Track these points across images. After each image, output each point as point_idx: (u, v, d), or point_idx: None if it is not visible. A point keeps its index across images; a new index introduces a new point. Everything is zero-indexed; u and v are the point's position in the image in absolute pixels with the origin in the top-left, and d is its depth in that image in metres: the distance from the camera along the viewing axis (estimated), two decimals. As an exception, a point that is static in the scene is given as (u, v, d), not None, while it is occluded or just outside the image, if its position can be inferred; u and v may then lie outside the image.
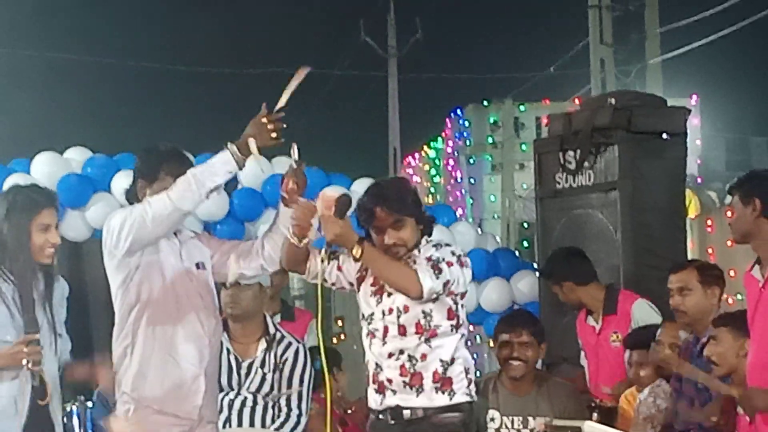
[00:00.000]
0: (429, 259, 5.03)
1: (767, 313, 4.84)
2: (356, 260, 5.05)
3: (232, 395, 5.83)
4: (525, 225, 21.38)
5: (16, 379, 4.66)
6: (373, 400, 5.20)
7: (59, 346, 4.89)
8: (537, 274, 8.46)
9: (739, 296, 7.67)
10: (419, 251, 5.15)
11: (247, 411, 5.80)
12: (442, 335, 5.09)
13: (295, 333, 6.22)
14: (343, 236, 4.97)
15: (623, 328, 6.53)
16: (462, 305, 5.19)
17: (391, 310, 5.12)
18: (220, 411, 5.77)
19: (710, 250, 11.12)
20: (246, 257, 5.34)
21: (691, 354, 5.55)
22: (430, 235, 5.24)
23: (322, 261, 5.12)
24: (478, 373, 5.63)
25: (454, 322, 5.13)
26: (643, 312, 6.51)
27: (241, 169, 4.99)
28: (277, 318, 6.63)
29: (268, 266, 5.34)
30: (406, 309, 5.09)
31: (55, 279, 4.88)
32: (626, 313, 6.60)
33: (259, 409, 5.82)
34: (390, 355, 5.11)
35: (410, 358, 5.08)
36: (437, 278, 4.98)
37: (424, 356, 5.08)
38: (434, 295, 5.01)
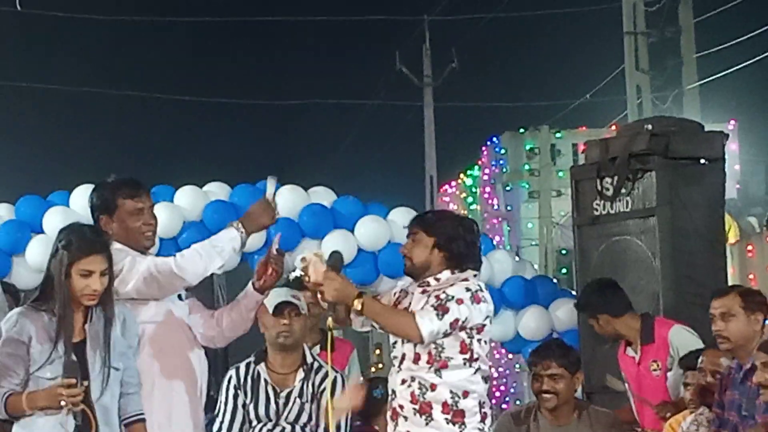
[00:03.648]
0: (438, 298, 5.07)
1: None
2: (358, 314, 5.13)
3: (270, 426, 5.82)
4: (563, 252, 21.29)
5: (58, 413, 4.67)
6: (388, 428, 5.26)
7: (113, 379, 4.87)
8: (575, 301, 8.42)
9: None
10: (437, 279, 5.18)
11: (285, 441, 5.80)
12: (453, 368, 5.12)
13: (335, 364, 6.20)
14: (342, 291, 5.06)
15: (662, 357, 6.47)
16: (479, 339, 5.16)
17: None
18: (259, 442, 5.78)
19: (751, 276, 11.02)
20: (203, 323, 5.41)
21: (734, 381, 5.49)
22: (460, 270, 5.21)
23: (329, 329, 5.23)
24: (517, 402, 5.61)
25: (467, 356, 5.14)
26: (681, 338, 6.44)
27: (243, 246, 5.17)
28: (317, 349, 6.62)
29: (218, 342, 5.47)
30: None
31: (114, 316, 4.88)
32: (664, 341, 6.53)
33: (297, 439, 5.81)
34: (403, 382, 5.17)
35: (420, 386, 5.13)
36: (440, 319, 5.02)
37: (433, 386, 5.11)
38: (439, 337, 5.05)
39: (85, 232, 4.89)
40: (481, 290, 5.17)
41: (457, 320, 5.05)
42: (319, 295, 5.08)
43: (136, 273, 5.02)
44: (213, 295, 11.65)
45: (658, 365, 6.51)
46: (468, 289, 5.11)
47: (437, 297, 5.07)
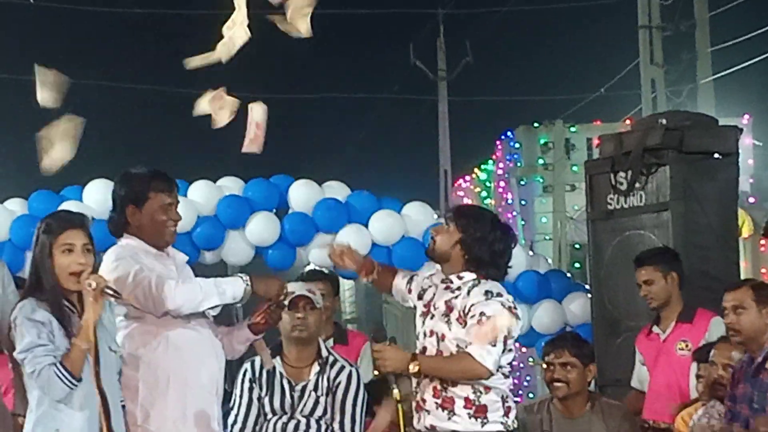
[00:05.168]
0: (480, 323, 5.05)
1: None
2: (416, 375, 5.15)
3: (285, 419, 5.85)
4: (577, 246, 21.32)
5: (86, 409, 4.70)
6: (414, 418, 5.28)
7: (114, 360, 4.90)
8: (588, 295, 8.43)
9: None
10: (460, 278, 5.18)
11: (300, 434, 5.82)
12: None
13: (348, 356, 6.24)
14: (397, 360, 5.08)
15: (695, 339, 6.48)
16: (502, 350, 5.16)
17: (432, 333, 5.22)
18: (274, 435, 5.81)
19: (764, 270, 11.03)
20: None
21: (746, 374, 5.50)
22: (485, 276, 5.20)
23: (398, 400, 5.17)
24: (531, 395, 5.64)
25: None
26: (719, 329, 6.44)
27: (244, 298, 5.05)
28: (330, 342, 6.66)
29: None
30: (443, 337, 5.18)
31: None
32: (702, 326, 6.55)
33: (312, 432, 5.84)
34: (426, 375, 5.18)
35: (442, 381, 5.15)
36: (495, 345, 5.04)
37: (454, 382, 5.13)
38: (501, 361, 5.08)
39: (57, 213, 4.95)
40: (514, 306, 5.20)
41: (505, 337, 5.09)
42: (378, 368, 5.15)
43: (138, 283, 4.97)
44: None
45: (686, 345, 6.53)
46: (503, 305, 5.13)
47: (479, 322, 5.06)
